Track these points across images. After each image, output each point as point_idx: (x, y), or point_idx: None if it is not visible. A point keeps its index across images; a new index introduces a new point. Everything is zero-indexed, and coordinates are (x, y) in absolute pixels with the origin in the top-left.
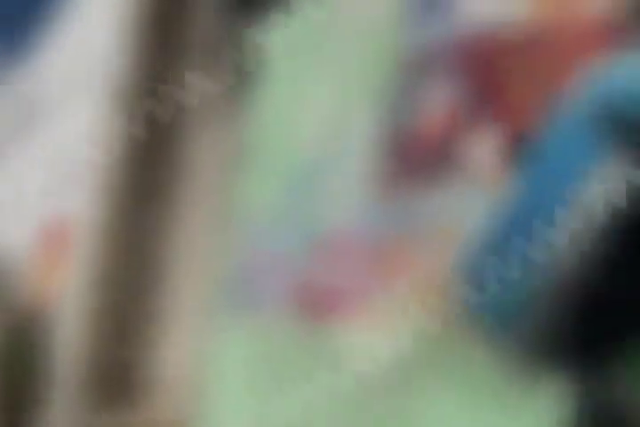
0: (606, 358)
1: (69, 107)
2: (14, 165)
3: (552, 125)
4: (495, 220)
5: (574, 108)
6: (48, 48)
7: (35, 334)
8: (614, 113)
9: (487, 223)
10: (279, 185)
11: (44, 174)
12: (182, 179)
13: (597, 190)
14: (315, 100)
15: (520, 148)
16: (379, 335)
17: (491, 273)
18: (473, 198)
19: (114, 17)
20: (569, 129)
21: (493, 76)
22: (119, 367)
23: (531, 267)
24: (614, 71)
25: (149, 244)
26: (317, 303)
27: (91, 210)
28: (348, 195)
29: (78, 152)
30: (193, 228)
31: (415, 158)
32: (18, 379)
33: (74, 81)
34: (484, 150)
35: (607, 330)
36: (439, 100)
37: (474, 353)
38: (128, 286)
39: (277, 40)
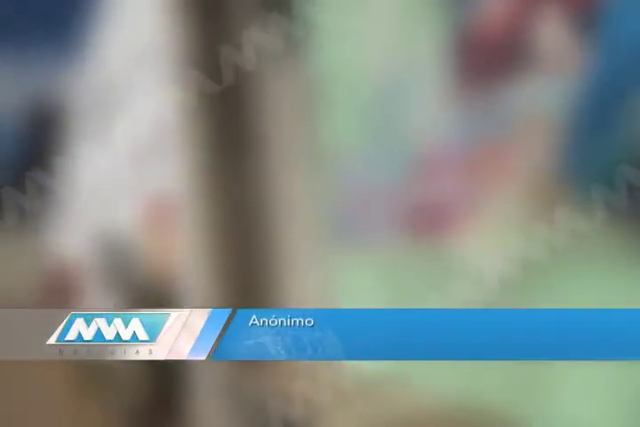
0: None
1: (141, 83)
2: (106, 147)
3: None
4: (579, 98)
5: None
6: (100, 38)
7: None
8: None
9: (571, 104)
10: (359, 118)
11: (134, 152)
12: (266, 129)
13: None
14: (377, 26)
15: (587, 24)
16: (496, 240)
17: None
18: (551, 84)
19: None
20: None
21: None
22: None
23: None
24: None
25: (252, 199)
26: (428, 222)
27: (188, 177)
28: (429, 111)
29: (162, 125)
30: (289, 175)
31: (486, 57)
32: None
33: (136, 59)
34: (551, 34)
35: None
36: None
37: (599, 235)
38: (243, 242)
39: None
